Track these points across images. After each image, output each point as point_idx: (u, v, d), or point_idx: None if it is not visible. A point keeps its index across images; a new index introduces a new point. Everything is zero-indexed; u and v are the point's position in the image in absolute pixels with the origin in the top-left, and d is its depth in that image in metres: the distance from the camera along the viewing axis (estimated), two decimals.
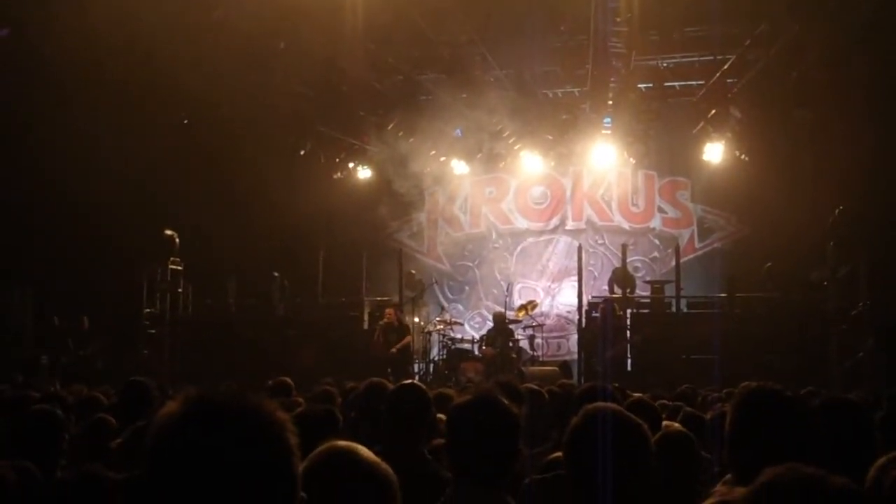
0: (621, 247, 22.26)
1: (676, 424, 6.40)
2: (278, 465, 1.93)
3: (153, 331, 21.09)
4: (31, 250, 19.34)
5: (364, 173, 24.96)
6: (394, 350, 19.88)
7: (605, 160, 23.38)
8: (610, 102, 20.86)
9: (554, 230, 25.62)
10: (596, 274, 24.58)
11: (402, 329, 20.49)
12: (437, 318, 22.63)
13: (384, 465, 2.82)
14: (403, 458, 4.84)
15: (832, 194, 19.14)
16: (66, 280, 19.90)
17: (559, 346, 24.38)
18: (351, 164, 24.72)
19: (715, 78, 20.09)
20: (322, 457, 2.85)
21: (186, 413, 1.91)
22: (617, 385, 9.11)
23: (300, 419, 5.50)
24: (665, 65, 21.80)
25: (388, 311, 20.60)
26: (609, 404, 3.75)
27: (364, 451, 2.87)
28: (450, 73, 20.14)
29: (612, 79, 19.51)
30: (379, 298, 22.11)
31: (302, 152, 23.11)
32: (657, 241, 24.84)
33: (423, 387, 5.68)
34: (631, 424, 3.65)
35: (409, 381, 5.87)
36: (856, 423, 4.49)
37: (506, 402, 4.05)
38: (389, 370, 18.94)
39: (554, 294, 25.12)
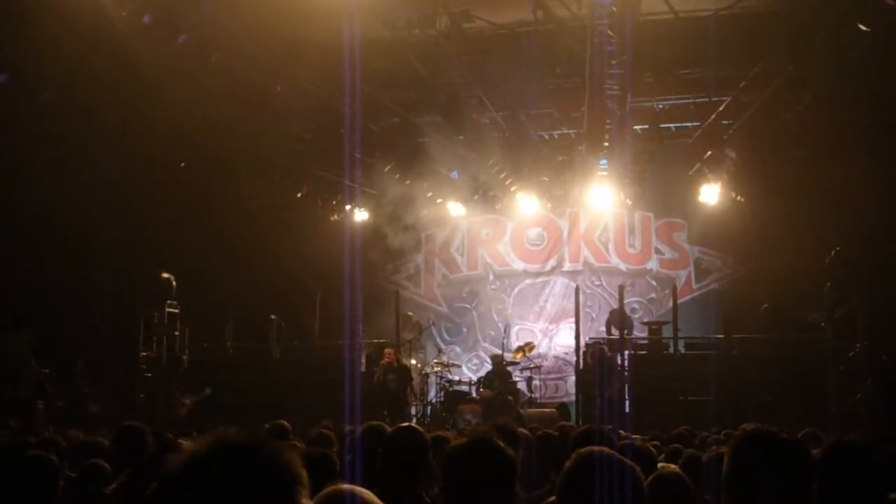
0: (618, 288, 22.22)
1: (673, 466, 6.37)
2: None
3: (149, 374, 21.04)
4: (28, 293, 19.30)
5: (361, 215, 25.02)
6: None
7: (602, 202, 23.41)
8: (606, 144, 20.89)
9: (551, 272, 25.62)
10: (593, 315, 24.55)
11: (402, 369, 20.46)
12: (435, 360, 22.58)
13: None
14: (402, 501, 4.83)
15: (828, 235, 19.14)
16: (63, 323, 19.85)
17: (557, 388, 24.32)
18: (348, 207, 24.77)
19: (710, 119, 20.19)
20: (327, 499, 2.85)
21: (204, 458, 1.96)
22: (610, 427, 9.08)
23: None
24: (661, 107, 21.95)
25: (387, 351, 20.59)
26: (602, 448, 3.74)
27: (367, 493, 2.87)
28: (446, 115, 20.22)
29: (608, 121, 19.54)
30: (376, 340, 22.08)
31: (299, 195, 23.18)
32: (654, 283, 24.84)
33: (421, 429, 5.66)
34: (623, 467, 3.63)
35: (407, 423, 5.86)
36: (860, 465, 4.48)
37: (502, 444, 4.04)
38: (386, 413, 18.88)
39: (551, 335, 25.07)
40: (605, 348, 19.65)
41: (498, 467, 3.92)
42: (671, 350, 20.46)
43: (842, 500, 4.34)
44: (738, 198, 21.87)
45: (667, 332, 21.01)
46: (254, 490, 1.94)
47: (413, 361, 22.21)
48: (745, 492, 3.60)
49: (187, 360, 21.85)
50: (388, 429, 6.35)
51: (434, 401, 21.73)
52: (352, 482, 5.88)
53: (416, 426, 5.83)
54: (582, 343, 20.70)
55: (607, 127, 19.89)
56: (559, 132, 23.74)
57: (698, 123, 21.18)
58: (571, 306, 22.22)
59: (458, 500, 3.98)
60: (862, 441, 5.60)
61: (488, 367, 22.12)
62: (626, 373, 19.47)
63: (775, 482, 3.55)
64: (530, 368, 21.80)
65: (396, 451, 5.25)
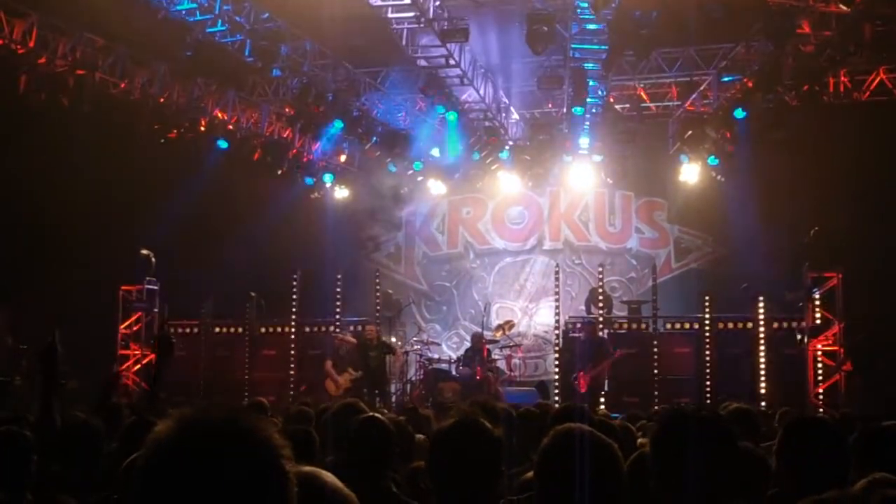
0: (598, 267, 22.31)
1: None
2: (273, 492, 1.90)
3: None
4: (6, 269, 19.18)
5: (341, 193, 24.94)
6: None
7: (583, 180, 23.46)
8: (587, 123, 20.91)
9: (531, 250, 25.61)
10: (573, 294, 24.56)
11: (382, 346, 20.31)
12: (415, 338, 22.56)
13: (347, 491, 2.79)
14: (368, 491, 4.82)
15: (807, 216, 19.20)
16: (41, 299, 19.73)
17: (536, 367, 24.35)
18: (328, 184, 24.66)
19: (691, 99, 20.18)
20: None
21: (181, 434, 1.89)
22: (585, 405, 9.11)
23: None
24: (641, 85, 21.91)
25: (369, 327, 20.37)
26: (579, 425, 3.73)
27: (328, 476, 2.83)
28: (427, 92, 20.15)
29: (589, 99, 19.56)
30: (356, 319, 21.99)
31: (279, 172, 23.04)
32: (634, 262, 24.85)
33: (386, 421, 5.64)
34: (601, 445, 3.62)
35: (372, 415, 5.81)
36: (828, 442, 4.47)
37: (488, 424, 4.02)
38: (366, 390, 18.84)
39: (531, 314, 25.08)
40: (597, 328, 19.70)
41: (485, 447, 3.90)
42: (651, 329, 20.51)
43: (802, 476, 4.34)
44: (719, 177, 21.87)
45: (646, 311, 21.07)
46: (234, 465, 1.86)
47: (393, 339, 22.18)
48: (669, 470, 3.59)
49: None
50: (364, 406, 6.36)
51: (414, 379, 21.70)
52: (323, 459, 5.88)
53: (381, 418, 5.78)
54: (562, 322, 20.77)
55: (588, 105, 19.91)
56: (540, 111, 23.70)
57: (679, 103, 21.16)
58: (551, 285, 22.28)
59: (445, 480, 3.96)
60: (832, 419, 5.62)
61: (468, 345, 22.11)
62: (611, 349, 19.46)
63: (696, 459, 3.53)
64: (510, 347, 21.81)
65: (361, 444, 5.27)
